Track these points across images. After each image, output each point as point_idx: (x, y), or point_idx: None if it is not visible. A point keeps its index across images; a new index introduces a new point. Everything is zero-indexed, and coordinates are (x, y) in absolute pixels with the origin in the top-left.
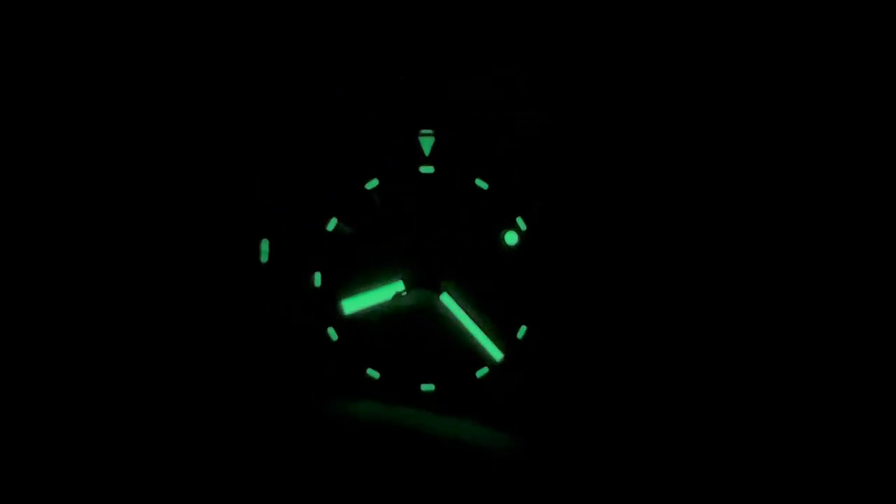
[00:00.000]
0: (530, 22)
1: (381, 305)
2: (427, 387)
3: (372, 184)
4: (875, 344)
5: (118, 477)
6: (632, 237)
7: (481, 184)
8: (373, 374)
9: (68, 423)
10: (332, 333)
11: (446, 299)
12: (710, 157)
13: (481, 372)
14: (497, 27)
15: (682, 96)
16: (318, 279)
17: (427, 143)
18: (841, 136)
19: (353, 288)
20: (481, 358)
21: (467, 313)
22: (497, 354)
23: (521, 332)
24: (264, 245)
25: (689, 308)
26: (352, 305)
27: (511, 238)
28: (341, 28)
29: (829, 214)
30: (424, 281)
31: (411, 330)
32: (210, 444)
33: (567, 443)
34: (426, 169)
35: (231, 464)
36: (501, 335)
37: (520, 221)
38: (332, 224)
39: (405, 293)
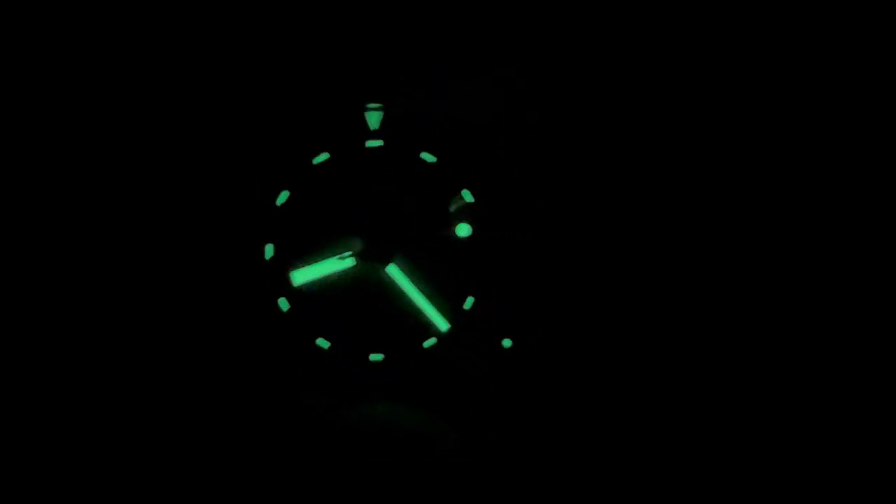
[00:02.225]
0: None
1: (330, 277)
2: (375, 357)
3: (321, 157)
4: (875, 344)
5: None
6: (583, 213)
7: (429, 157)
8: (322, 344)
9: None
10: (283, 304)
11: (394, 270)
12: (690, 145)
13: (429, 342)
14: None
15: (673, 90)
16: (269, 251)
17: (375, 117)
18: (841, 136)
19: (303, 260)
20: (429, 329)
21: (415, 285)
22: (444, 325)
23: (469, 303)
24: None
25: (639, 286)
26: (301, 277)
27: (463, 231)
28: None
29: (831, 214)
30: (374, 253)
31: (361, 301)
32: (166, 417)
33: (507, 419)
34: (374, 142)
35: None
36: (449, 306)
37: (466, 194)
38: (282, 197)
39: (353, 263)
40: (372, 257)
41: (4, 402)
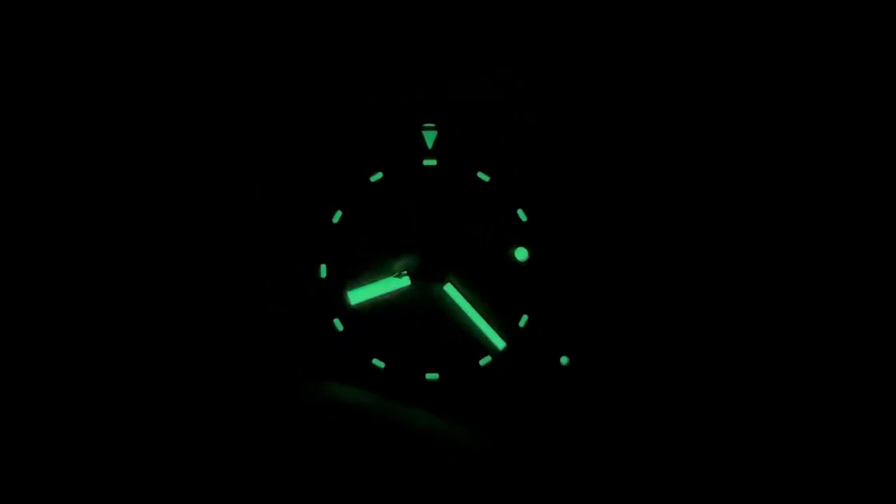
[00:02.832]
0: (530, 21)
1: (386, 296)
2: (431, 376)
3: (376, 177)
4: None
5: (121, 470)
6: (634, 231)
7: (483, 176)
8: (378, 363)
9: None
10: (338, 324)
11: (449, 290)
12: (711, 155)
13: (484, 361)
14: (497, 26)
15: (683, 95)
16: (323, 271)
17: (430, 136)
18: (842, 137)
19: (358, 279)
20: (485, 347)
21: (470, 303)
22: (500, 343)
23: (523, 321)
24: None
25: (691, 303)
26: (357, 296)
27: (521, 255)
28: (346, 24)
29: (832, 214)
30: (429, 272)
31: (416, 320)
32: (215, 437)
33: (565, 435)
34: (429, 162)
35: (235, 457)
36: (504, 325)
37: (521, 213)
38: (337, 216)
39: (409, 282)
40: (427, 276)
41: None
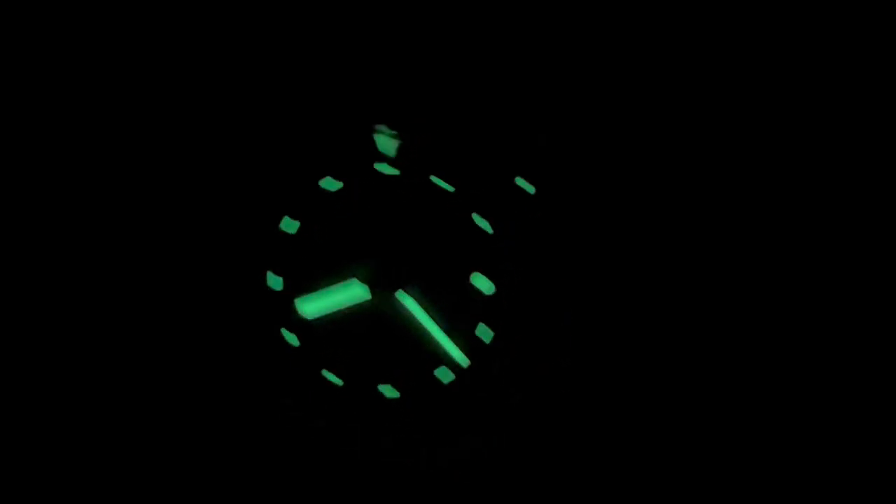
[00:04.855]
0: (496, 20)
1: (340, 308)
2: (392, 393)
3: (327, 182)
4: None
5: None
6: (611, 241)
7: (444, 185)
8: (335, 380)
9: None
10: (289, 337)
11: (408, 302)
12: (694, 171)
13: (447, 378)
14: (461, 28)
15: (668, 100)
16: (272, 281)
17: (389, 142)
18: (843, 137)
19: (310, 290)
20: (448, 364)
21: (432, 317)
22: (463, 360)
23: (489, 337)
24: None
25: (677, 320)
26: (308, 306)
27: (482, 285)
28: (299, 24)
29: (833, 215)
30: (386, 283)
31: (374, 334)
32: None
33: (538, 452)
34: (387, 168)
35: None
36: (468, 340)
37: (479, 221)
38: (285, 223)
39: (366, 293)
40: (384, 287)
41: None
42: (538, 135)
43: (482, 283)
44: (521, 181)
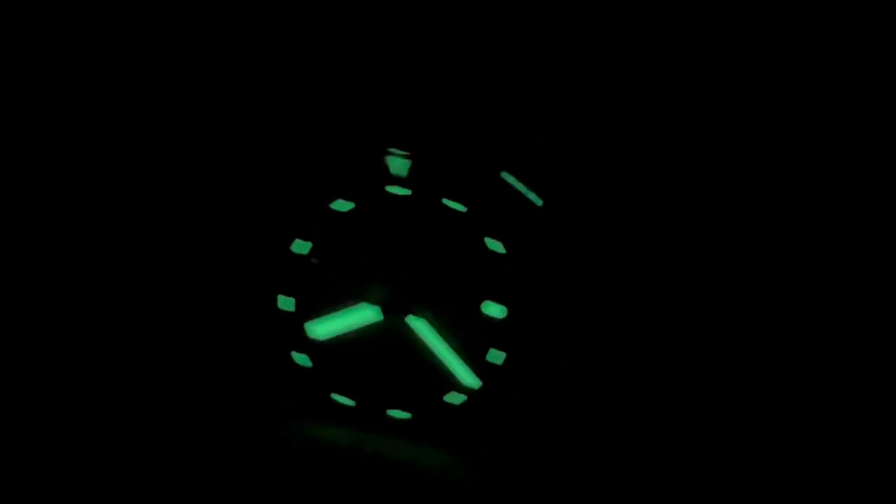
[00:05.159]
0: (505, 42)
1: (351, 330)
2: (402, 415)
3: (339, 204)
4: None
5: None
6: (620, 261)
7: (456, 206)
8: (346, 401)
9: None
10: (300, 359)
11: (419, 324)
12: (700, 186)
13: (459, 400)
14: (472, 48)
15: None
16: (283, 302)
17: (400, 163)
18: (844, 138)
19: (321, 312)
20: (459, 386)
21: (444, 339)
22: (475, 382)
23: (501, 358)
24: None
25: (680, 336)
26: (320, 329)
27: (494, 311)
28: (310, 43)
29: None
30: (397, 305)
31: (385, 356)
32: (175, 476)
33: (544, 475)
34: (398, 189)
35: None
36: (480, 362)
37: (490, 243)
38: (297, 245)
39: (377, 316)
40: (396, 310)
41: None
42: (539, 135)
43: (494, 310)
44: (506, 175)
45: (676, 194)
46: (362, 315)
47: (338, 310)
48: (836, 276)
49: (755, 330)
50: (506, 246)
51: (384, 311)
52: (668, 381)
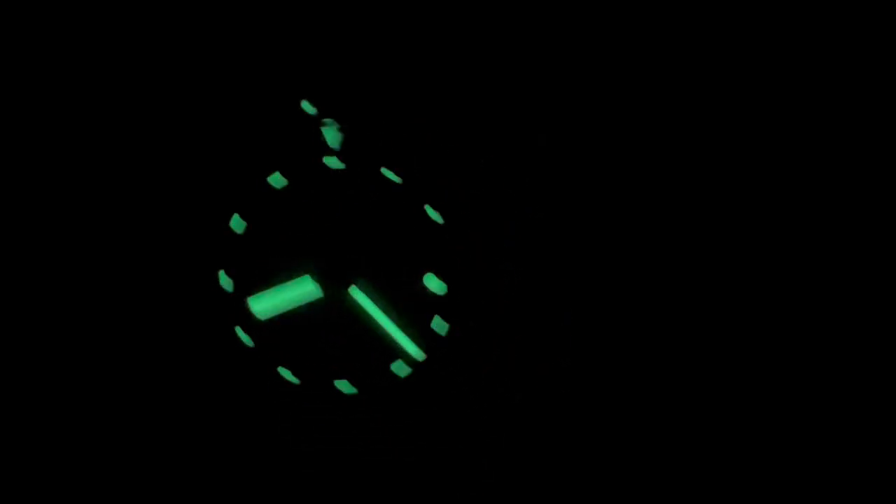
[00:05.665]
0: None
1: (292, 305)
2: (349, 389)
3: (274, 177)
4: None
5: None
6: (620, 261)
7: (392, 175)
8: (290, 378)
9: None
10: (242, 336)
11: (360, 296)
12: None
13: (405, 372)
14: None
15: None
16: (222, 279)
17: (333, 134)
18: (844, 138)
19: (260, 287)
20: (403, 358)
21: (385, 311)
22: (419, 354)
23: (444, 329)
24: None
25: (673, 317)
26: (260, 305)
27: (433, 284)
28: (243, 21)
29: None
30: (336, 278)
31: (328, 330)
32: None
33: (537, 451)
34: (333, 161)
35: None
36: (423, 333)
37: (430, 211)
38: (234, 221)
39: (316, 290)
40: (335, 282)
41: None
42: (538, 135)
43: (435, 283)
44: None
45: (676, 194)
46: (303, 290)
47: (278, 286)
48: (836, 276)
49: (754, 328)
50: (444, 216)
51: (325, 285)
52: (667, 381)
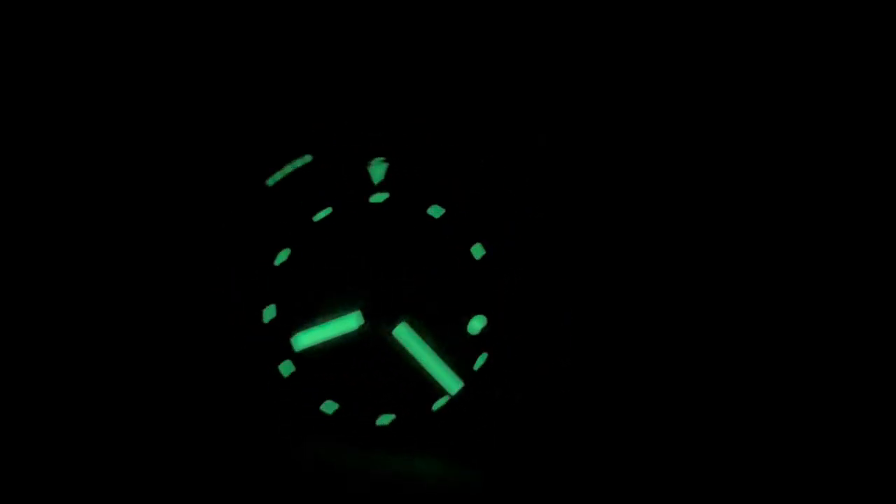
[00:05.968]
0: (483, 45)
1: (336, 339)
2: (383, 420)
3: (322, 213)
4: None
5: None
6: (600, 263)
7: (436, 211)
8: (328, 409)
9: None
10: (285, 370)
11: (402, 331)
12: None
13: (439, 404)
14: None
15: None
16: (268, 314)
17: (379, 170)
18: (843, 138)
19: (306, 322)
20: (440, 390)
21: (427, 344)
22: (455, 386)
23: (480, 361)
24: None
25: (680, 335)
26: (305, 340)
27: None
28: (289, 55)
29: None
30: (381, 313)
31: (369, 363)
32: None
33: (531, 477)
34: (378, 197)
35: None
36: (461, 366)
37: (477, 248)
38: (280, 257)
39: (360, 324)
40: (380, 317)
41: None
42: (538, 135)
43: (476, 322)
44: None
45: (675, 194)
46: (345, 324)
47: (322, 320)
48: (836, 276)
49: (754, 327)
50: (487, 250)
51: (367, 319)
52: (667, 382)
